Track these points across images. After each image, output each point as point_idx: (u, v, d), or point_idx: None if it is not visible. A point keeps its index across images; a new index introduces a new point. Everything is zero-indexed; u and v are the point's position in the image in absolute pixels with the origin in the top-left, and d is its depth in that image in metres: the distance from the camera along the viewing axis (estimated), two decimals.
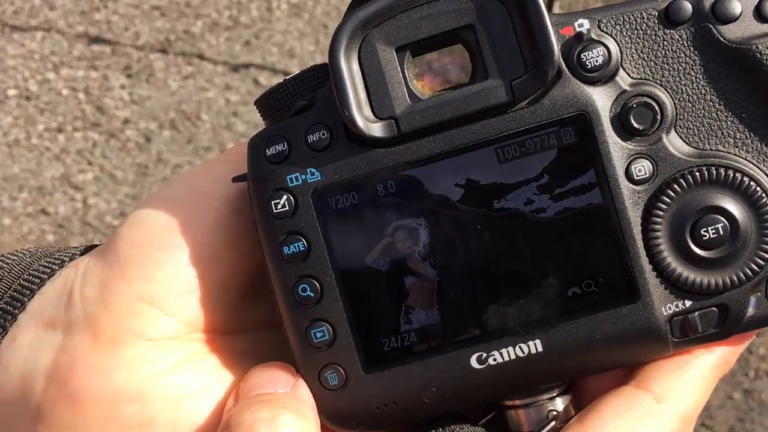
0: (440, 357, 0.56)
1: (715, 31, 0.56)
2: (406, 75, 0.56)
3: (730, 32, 0.55)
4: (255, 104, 0.61)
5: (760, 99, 0.56)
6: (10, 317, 0.58)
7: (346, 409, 0.57)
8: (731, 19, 0.55)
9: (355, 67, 0.55)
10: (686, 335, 0.56)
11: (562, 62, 0.55)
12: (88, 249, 0.61)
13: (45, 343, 0.57)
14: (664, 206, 0.56)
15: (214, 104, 2.74)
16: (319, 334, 0.56)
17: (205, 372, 0.57)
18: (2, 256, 0.61)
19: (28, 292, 0.58)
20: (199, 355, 0.58)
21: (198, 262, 0.57)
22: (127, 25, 2.93)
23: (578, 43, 0.55)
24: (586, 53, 0.55)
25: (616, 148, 0.55)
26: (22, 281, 0.59)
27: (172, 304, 0.57)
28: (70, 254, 0.60)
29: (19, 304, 0.58)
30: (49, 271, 0.59)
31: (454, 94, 0.55)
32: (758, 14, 0.55)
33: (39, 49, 2.87)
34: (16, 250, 0.62)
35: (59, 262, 0.60)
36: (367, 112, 0.55)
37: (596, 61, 0.55)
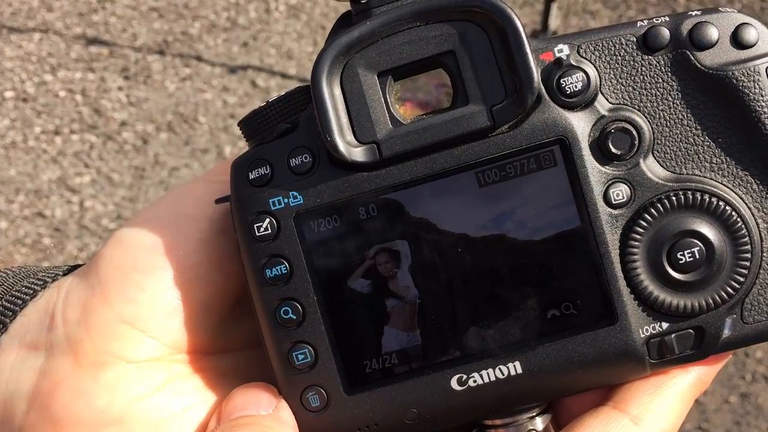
0: (421, 379, 0.57)
1: (693, 58, 0.56)
2: (388, 100, 0.56)
3: (707, 59, 0.56)
4: (238, 125, 0.61)
5: (736, 124, 0.57)
6: None
7: (328, 430, 0.57)
8: (708, 46, 0.56)
9: (337, 92, 0.56)
10: (663, 357, 0.57)
11: (542, 87, 0.56)
12: (71, 269, 0.61)
13: (27, 366, 0.57)
14: (641, 230, 0.56)
15: (211, 106, 2.75)
16: (300, 356, 0.57)
17: (187, 393, 0.58)
18: None
19: (10, 313, 0.58)
20: (181, 377, 0.58)
21: (180, 283, 0.58)
22: (125, 26, 2.93)
23: (558, 68, 0.56)
24: (565, 79, 0.56)
25: (595, 173, 0.56)
26: (4, 302, 0.59)
27: (154, 326, 0.57)
28: (53, 275, 0.61)
29: (1, 326, 0.58)
30: (31, 292, 0.59)
31: (436, 119, 0.56)
32: (735, 41, 0.56)
33: (36, 51, 2.88)
34: None
35: (41, 282, 0.60)
36: (349, 136, 0.56)
37: (575, 86, 0.56)
